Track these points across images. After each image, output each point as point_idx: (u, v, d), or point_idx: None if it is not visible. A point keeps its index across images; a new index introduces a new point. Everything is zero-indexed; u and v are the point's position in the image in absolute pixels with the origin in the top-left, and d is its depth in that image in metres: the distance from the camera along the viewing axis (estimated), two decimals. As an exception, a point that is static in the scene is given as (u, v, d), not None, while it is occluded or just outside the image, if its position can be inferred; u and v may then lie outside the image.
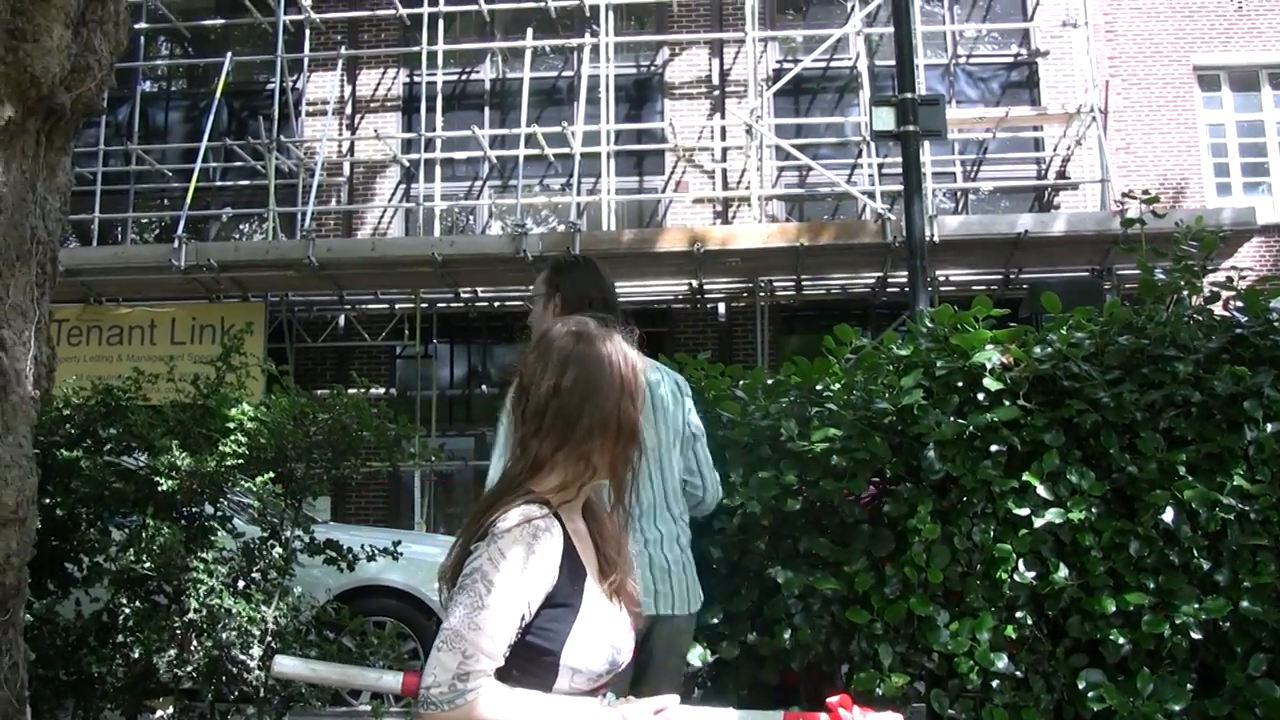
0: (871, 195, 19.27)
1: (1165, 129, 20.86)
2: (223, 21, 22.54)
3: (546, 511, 2.89)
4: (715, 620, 5.28)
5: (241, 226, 22.89)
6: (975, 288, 18.75)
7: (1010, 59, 21.82)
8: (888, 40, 19.31)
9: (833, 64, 21.47)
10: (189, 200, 19.92)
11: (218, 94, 20.93)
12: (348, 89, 22.50)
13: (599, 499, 3.13)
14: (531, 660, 2.85)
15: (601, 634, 2.93)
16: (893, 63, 14.57)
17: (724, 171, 21.38)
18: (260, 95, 22.65)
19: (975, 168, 21.46)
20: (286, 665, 3.38)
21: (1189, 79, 21.11)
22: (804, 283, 20.23)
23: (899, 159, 14.26)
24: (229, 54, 21.23)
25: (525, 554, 2.81)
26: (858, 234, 18.52)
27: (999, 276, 19.74)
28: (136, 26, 21.27)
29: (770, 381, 5.85)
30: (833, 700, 3.12)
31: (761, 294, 20.01)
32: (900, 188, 14.93)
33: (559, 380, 2.97)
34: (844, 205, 21.30)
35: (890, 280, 19.73)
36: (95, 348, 19.93)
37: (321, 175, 21.01)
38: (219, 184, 22.28)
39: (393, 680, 3.30)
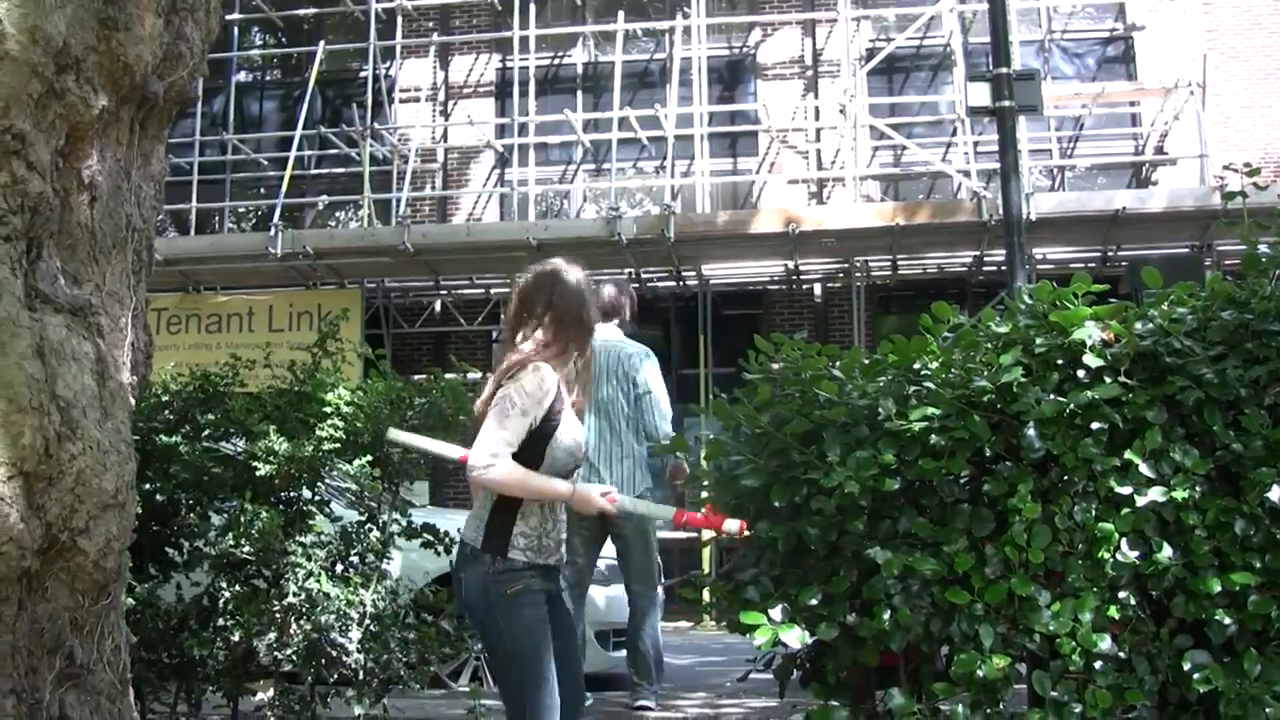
0: (967, 174, 19.12)
1: (1265, 102, 20.50)
2: (315, 10, 22.69)
3: (549, 368, 4.89)
4: (813, 601, 5.21)
5: (337, 214, 23.05)
6: (1073, 266, 18.51)
7: (1106, 33, 21.56)
8: (981, 17, 19.17)
9: (926, 42, 21.32)
10: (284, 188, 20.11)
11: (311, 82, 21.09)
12: (440, 75, 22.62)
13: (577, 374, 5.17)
14: (532, 446, 4.85)
15: (570, 434, 4.98)
16: (986, 40, 14.46)
17: (818, 152, 21.31)
18: (353, 83, 22.79)
19: (1071, 144, 21.23)
20: (396, 434, 5.92)
21: (1290, 51, 20.75)
22: (900, 263, 20.15)
23: (994, 137, 14.15)
24: (321, 42, 21.37)
25: (536, 388, 4.84)
26: (954, 213, 18.41)
27: (1097, 254, 19.55)
28: (229, 17, 21.45)
29: (867, 361, 5.78)
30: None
31: (857, 274, 19.92)
32: (996, 166, 14.79)
33: (551, 298, 5.03)
34: (939, 184, 21.15)
35: (987, 259, 19.59)
36: (194, 336, 20.17)
37: (415, 161, 21.17)
38: (314, 172, 22.46)
39: (454, 454, 5.35)
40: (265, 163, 22.26)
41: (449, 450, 5.17)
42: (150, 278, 5.29)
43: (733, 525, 5.07)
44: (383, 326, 20.78)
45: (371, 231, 19.89)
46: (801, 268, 20.19)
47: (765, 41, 21.92)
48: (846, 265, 20.05)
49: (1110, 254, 19.41)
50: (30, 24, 4.18)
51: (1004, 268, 15.92)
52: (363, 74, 21.82)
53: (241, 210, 23.38)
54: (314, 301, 20.27)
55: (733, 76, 22.26)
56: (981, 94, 13.16)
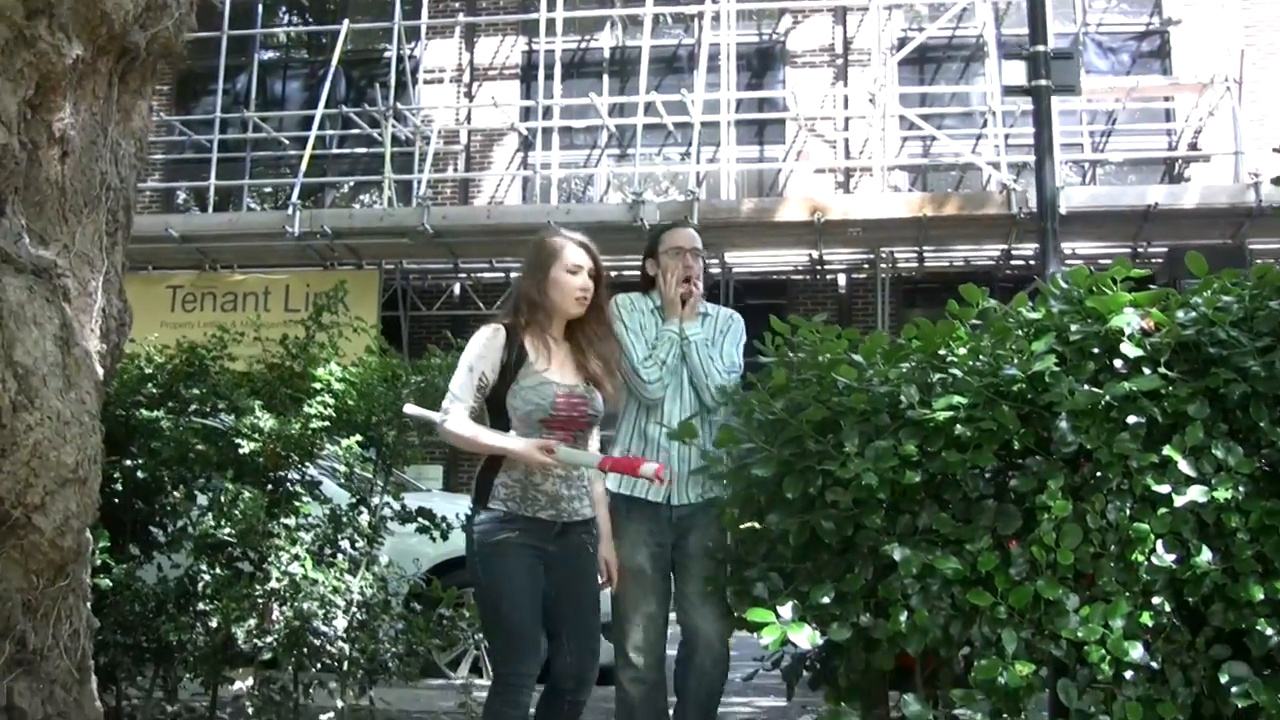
0: (996, 166, 18.80)
1: (1303, 100, 20.14)
2: (342, -11, 22.56)
3: (497, 325, 5.32)
4: (825, 600, 4.96)
5: (360, 197, 22.89)
6: (1102, 261, 18.26)
7: (1142, 28, 21.26)
8: (1014, 9, 18.91)
9: (958, 32, 21.04)
10: (304, 167, 19.93)
11: (335, 62, 20.88)
12: (465, 57, 22.43)
13: (594, 334, 5.50)
14: (495, 407, 5.24)
15: (531, 394, 5.17)
16: (1019, 31, 14.16)
17: (846, 141, 21.09)
18: (377, 63, 22.62)
19: (1104, 139, 20.93)
20: (412, 409, 5.90)
21: (1329, 48, 20.39)
22: (926, 255, 19.89)
23: (1024, 130, 13.88)
24: (346, 22, 21.19)
25: (480, 344, 5.24)
26: (982, 205, 18.13)
27: (1127, 250, 19.20)
28: (255, -6, 21.38)
29: (890, 345, 5.49)
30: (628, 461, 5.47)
31: (883, 266, 19.70)
32: (1026, 159, 14.49)
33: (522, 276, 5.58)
34: (968, 177, 20.89)
35: (1014, 253, 19.33)
36: (210, 314, 19.96)
37: (438, 143, 21.00)
38: (335, 152, 22.33)
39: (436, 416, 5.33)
40: (286, 142, 22.08)
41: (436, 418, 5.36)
42: (128, 240, 5.04)
43: (649, 468, 5.20)
44: (400, 308, 20.57)
45: (391, 212, 19.74)
46: (826, 258, 19.98)
47: (795, 29, 21.70)
48: (872, 256, 19.86)
49: (1141, 250, 19.09)
50: (-8, -39, 3.93)
51: (1032, 262, 15.60)
52: (387, 54, 21.66)
53: (265, 191, 23.23)
54: (331, 282, 19.91)
55: (761, 63, 22.03)
56: (1017, 73, 12.88)
